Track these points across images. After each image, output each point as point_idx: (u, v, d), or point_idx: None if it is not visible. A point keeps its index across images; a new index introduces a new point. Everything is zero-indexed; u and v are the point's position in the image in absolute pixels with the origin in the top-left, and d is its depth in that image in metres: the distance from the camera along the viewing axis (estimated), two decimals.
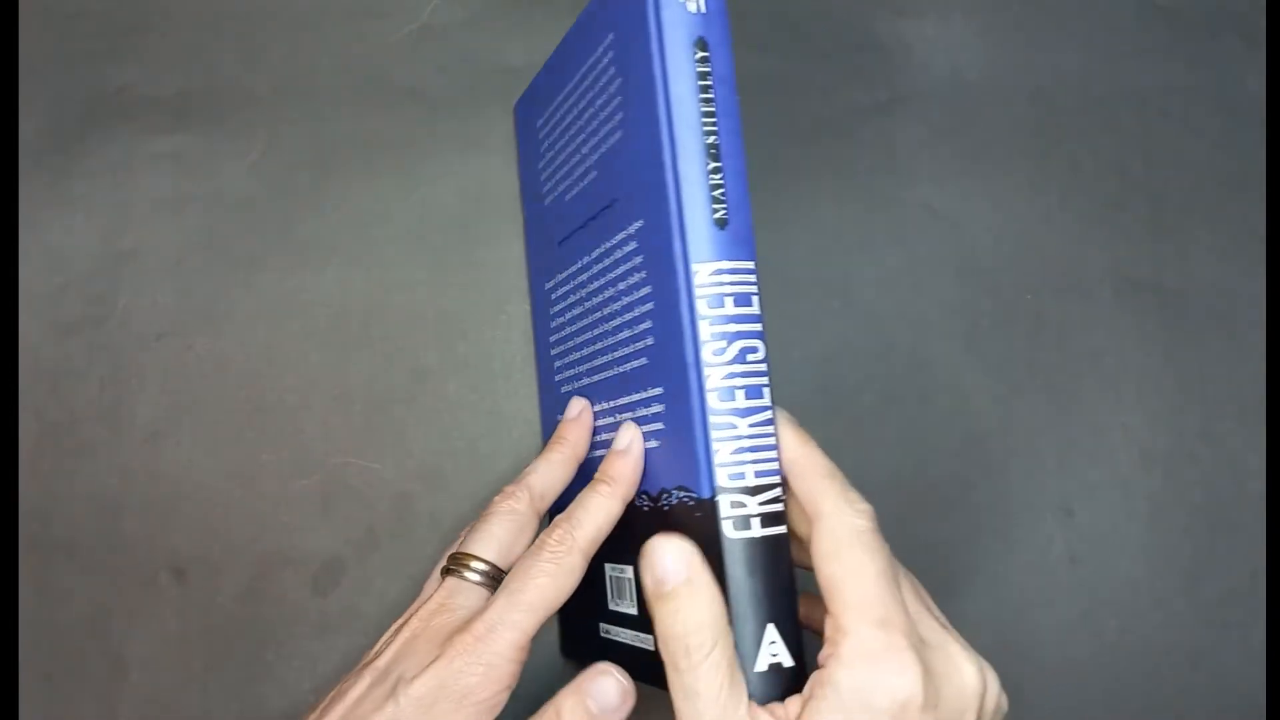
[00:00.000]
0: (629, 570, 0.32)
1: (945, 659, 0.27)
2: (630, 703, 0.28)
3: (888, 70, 0.47)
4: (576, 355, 0.36)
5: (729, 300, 0.28)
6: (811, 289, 0.44)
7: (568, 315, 0.37)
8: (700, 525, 0.28)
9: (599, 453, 0.34)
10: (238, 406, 0.41)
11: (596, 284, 0.34)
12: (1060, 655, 0.43)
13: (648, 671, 0.29)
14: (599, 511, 0.30)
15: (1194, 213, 0.47)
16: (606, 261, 0.33)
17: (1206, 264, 0.47)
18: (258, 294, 0.42)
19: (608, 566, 0.34)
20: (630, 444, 0.31)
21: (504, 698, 0.28)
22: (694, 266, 0.28)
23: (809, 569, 0.29)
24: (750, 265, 0.29)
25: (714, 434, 0.28)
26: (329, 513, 0.41)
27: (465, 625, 0.28)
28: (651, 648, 0.31)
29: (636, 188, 0.30)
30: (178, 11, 0.44)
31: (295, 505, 0.41)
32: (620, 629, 0.33)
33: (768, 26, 0.46)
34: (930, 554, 0.43)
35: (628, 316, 0.32)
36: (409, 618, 0.31)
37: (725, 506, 0.28)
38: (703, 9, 0.29)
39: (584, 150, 0.35)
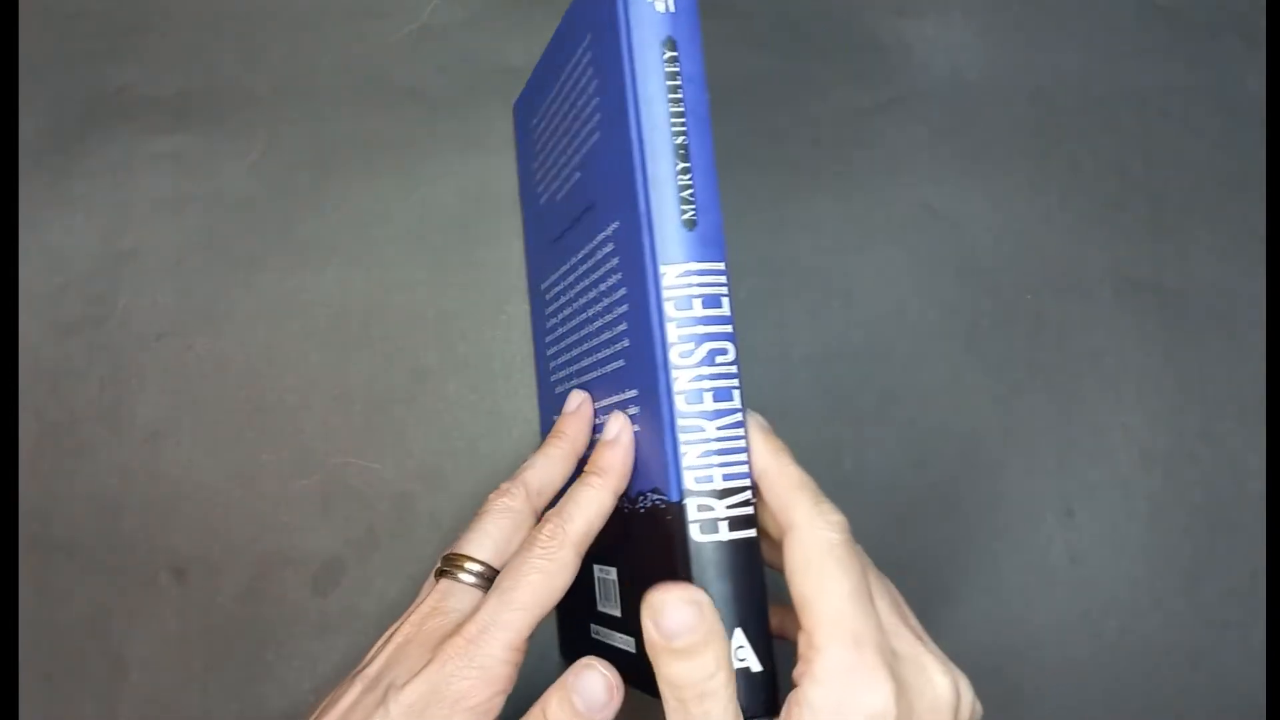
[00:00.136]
0: (613, 572, 0.32)
1: (918, 671, 0.27)
2: (618, 697, 0.28)
3: (888, 70, 0.47)
4: (568, 355, 0.36)
5: (697, 302, 0.28)
6: (811, 289, 0.44)
7: (560, 315, 0.37)
8: (670, 528, 0.28)
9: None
10: (238, 406, 0.41)
11: (582, 285, 0.34)
12: (1060, 655, 0.43)
13: (632, 673, 0.29)
14: (590, 504, 0.30)
15: (1194, 213, 0.47)
16: (590, 263, 0.33)
17: (1206, 264, 0.47)
18: (258, 294, 0.42)
19: (595, 568, 0.34)
20: (619, 434, 0.31)
21: (499, 702, 0.27)
22: (662, 268, 0.28)
23: (776, 569, 0.29)
24: (720, 266, 0.29)
25: (681, 436, 0.28)
26: (329, 513, 0.41)
27: (457, 628, 0.28)
28: (634, 650, 0.31)
29: (613, 189, 0.30)
30: (178, 11, 0.44)
31: (295, 505, 0.41)
32: (608, 630, 0.33)
33: (768, 26, 0.46)
34: (930, 554, 0.43)
35: (608, 318, 0.32)
36: (401, 623, 0.30)
37: (692, 510, 0.27)
38: (671, 8, 0.29)
39: (569, 151, 0.35)
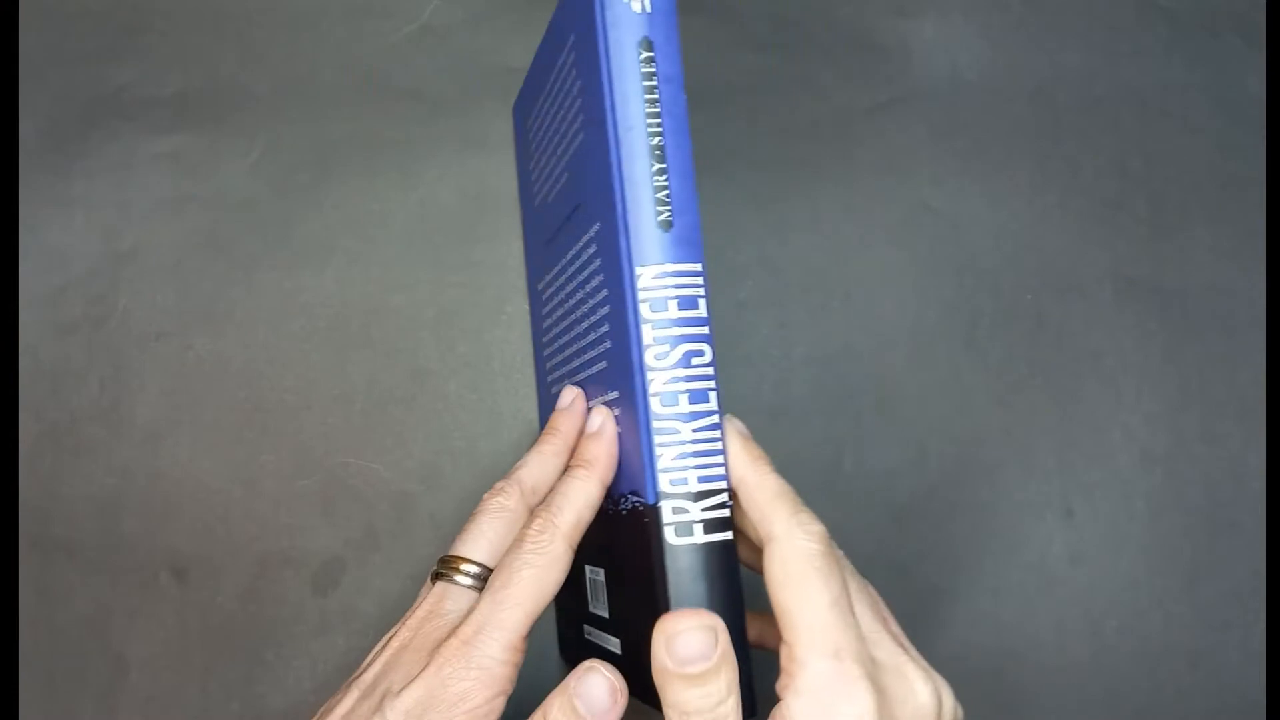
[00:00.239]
0: (602, 574, 0.32)
1: (899, 679, 0.27)
2: (622, 701, 0.27)
3: (888, 70, 0.47)
4: (561, 356, 0.36)
5: (673, 303, 0.28)
6: (811, 289, 0.44)
7: (554, 316, 0.37)
8: (647, 530, 0.28)
9: None
10: (238, 406, 0.41)
11: (571, 285, 0.34)
12: (1060, 655, 0.43)
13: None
14: (578, 496, 0.29)
15: (1194, 213, 0.47)
16: (576, 264, 0.33)
17: (1206, 264, 0.46)
18: (258, 294, 0.42)
19: (586, 569, 0.34)
20: (602, 425, 0.31)
21: (500, 704, 0.27)
22: (637, 269, 0.28)
23: (758, 571, 0.29)
24: (697, 268, 0.28)
25: (656, 438, 0.28)
26: (329, 513, 0.41)
27: (453, 630, 0.27)
28: (619, 650, 0.31)
29: (595, 190, 0.30)
30: (177, 11, 0.44)
31: (295, 505, 0.41)
32: (598, 631, 0.33)
33: (768, 27, 0.46)
34: (930, 554, 0.43)
35: (593, 319, 0.32)
36: (398, 628, 0.30)
37: (667, 512, 0.27)
38: (647, 9, 0.29)
39: (558, 152, 0.35)
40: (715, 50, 0.46)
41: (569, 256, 0.34)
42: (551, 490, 0.30)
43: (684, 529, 0.27)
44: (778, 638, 0.27)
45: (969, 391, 0.44)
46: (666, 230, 0.28)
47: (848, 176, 0.45)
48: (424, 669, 0.27)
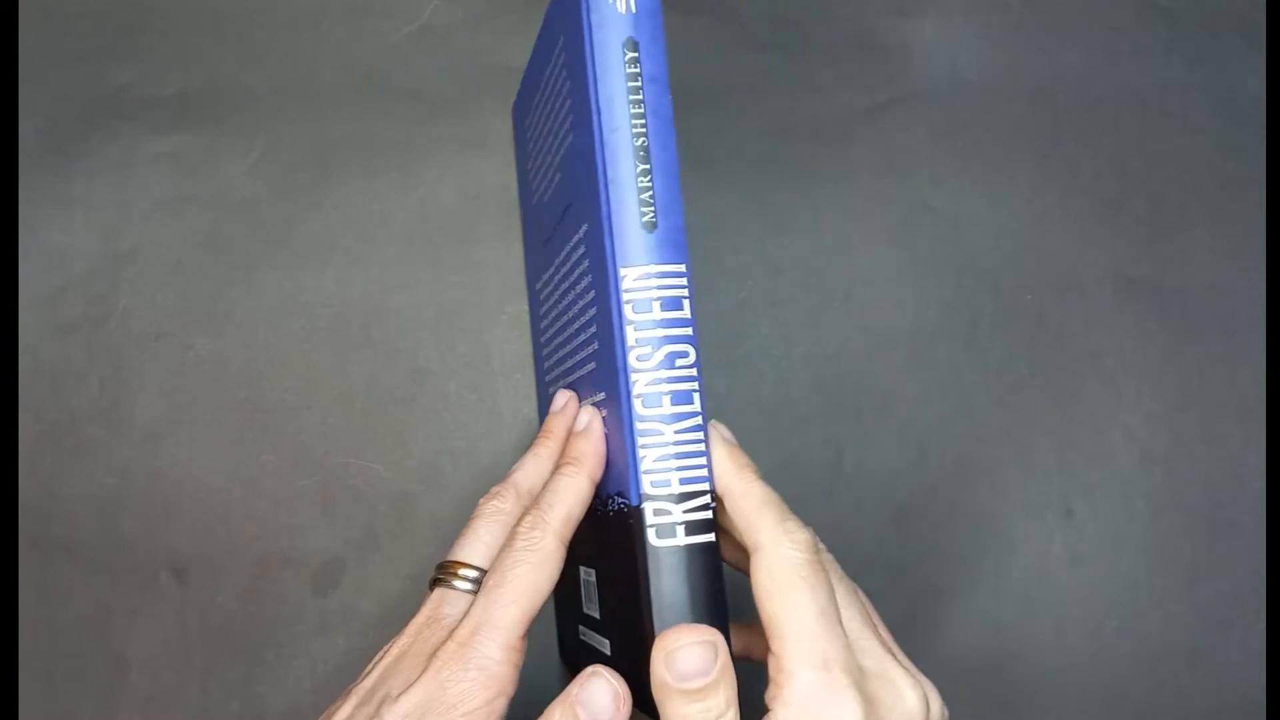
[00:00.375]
0: (593, 574, 0.32)
1: (887, 686, 0.27)
2: (626, 708, 0.27)
3: (888, 70, 0.47)
4: (556, 356, 0.36)
5: (656, 304, 0.28)
6: (811, 289, 0.44)
7: (550, 316, 0.37)
8: (631, 532, 0.28)
9: None
10: (238, 406, 0.41)
11: (563, 286, 0.34)
12: (1060, 655, 0.43)
13: None
14: (567, 492, 0.29)
15: (1194, 213, 0.47)
16: (568, 265, 0.33)
17: (1206, 264, 0.47)
18: (258, 294, 0.42)
19: (580, 569, 0.33)
20: (589, 423, 0.31)
21: (501, 705, 0.27)
22: (621, 270, 0.28)
23: (743, 572, 0.28)
24: (681, 269, 0.28)
25: (639, 440, 0.27)
26: (329, 513, 0.41)
27: (450, 634, 0.27)
28: (609, 652, 0.31)
29: (583, 191, 0.30)
30: (177, 11, 0.44)
31: (295, 505, 0.41)
32: (590, 632, 0.33)
33: (768, 27, 0.46)
34: (930, 554, 0.43)
35: (582, 320, 0.32)
36: (399, 636, 0.30)
37: (649, 514, 0.27)
38: (632, 9, 0.28)
39: (551, 152, 0.35)
40: (715, 50, 0.46)
41: (561, 257, 0.34)
42: (542, 489, 0.30)
43: (666, 531, 0.27)
44: (765, 649, 0.27)
45: (969, 391, 0.44)
46: (651, 231, 0.28)
47: (848, 176, 0.45)
48: (422, 673, 0.27)
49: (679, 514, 0.27)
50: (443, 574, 0.30)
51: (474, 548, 0.30)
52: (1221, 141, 0.48)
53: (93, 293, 0.42)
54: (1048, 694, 0.42)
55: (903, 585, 0.43)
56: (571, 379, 0.34)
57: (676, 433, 0.28)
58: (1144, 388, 0.45)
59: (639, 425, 0.28)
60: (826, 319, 0.44)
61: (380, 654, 0.30)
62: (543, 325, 0.39)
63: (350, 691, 0.29)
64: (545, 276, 0.37)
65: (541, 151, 0.37)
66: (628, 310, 0.28)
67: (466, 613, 0.28)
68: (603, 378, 0.30)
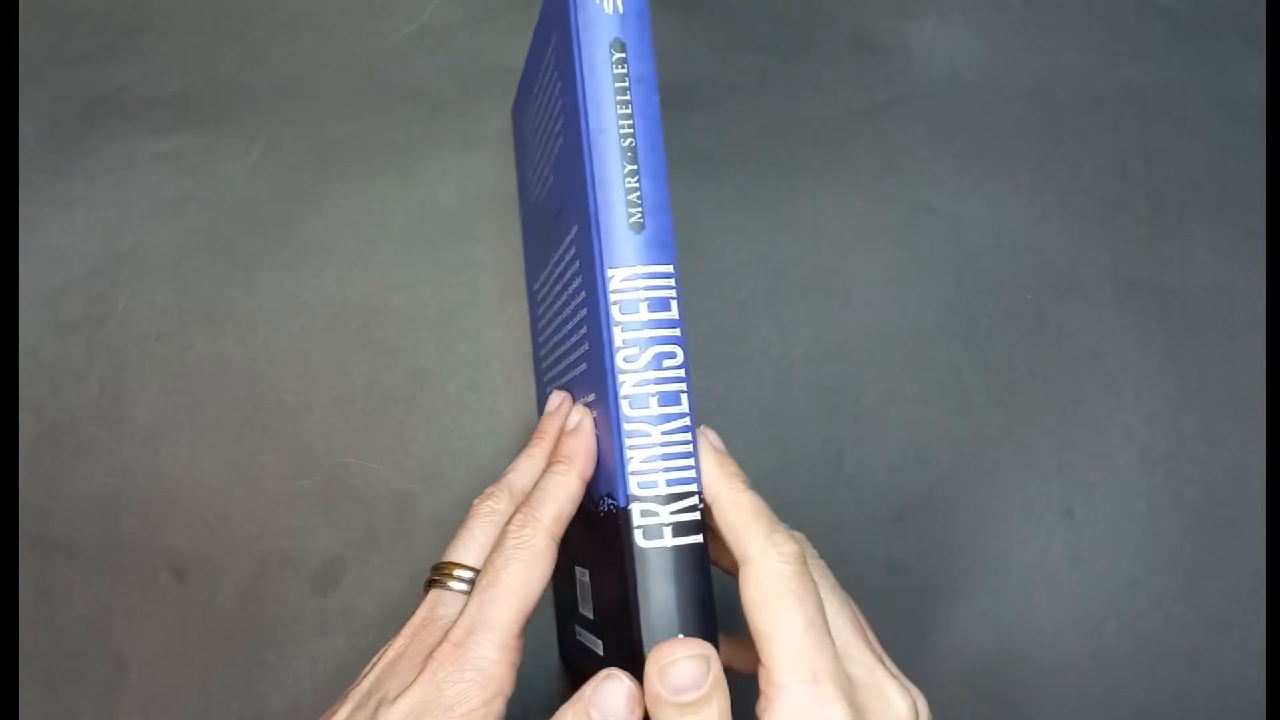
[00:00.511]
0: (587, 574, 0.32)
1: (876, 696, 0.27)
2: (640, 708, 0.27)
3: (888, 70, 0.47)
4: (553, 357, 0.36)
5: (644, 305, 0.28)
6: (811, 289, 0.44)
7: (546, 317, 0.37)
8: (620, 533, 0.28)
9: None
10: (238, 406, 0.41)
11: (557, 287, 0.34)
12: (1060, 655, 0.43)
13: None
14: (558, 489, 0.29)
15: (1194, 213, 0.47)
16: (560, 265, 0.33)
17: (1206, 264, 0.47)
18: (258, 294, 0.42)
19: (576, 570, 0.33)
20: (580, 421, 0.30)
21: (499, 705, 0.27)
22: (609, 271, 0.28)
23: (731, 574, 0.28)
24: (669, 269, 0.28)
25: (627, 441, 0.27)
26: (329, 513, 0.41)
27: (445, 635, 0.27)
28: (601, 652, 0.31)
29: (573, 192, 0.30)
30: (177, 11, 0.44)
31: (295, 505, 0.41)
32: (585, 632, 0.33)
33: (768, 27, 0.46)
34: (930, 554, 0.43)
35: (574, 321, 0.32)
36: (395, 639, 0.29)
37: (636, 515, 0.27)
38: (619, 9, 0.28)
39: (545, 153, 0.35)
40: (715, 50, 0.46)
41: (555, 258, 0.34)
42: (533, 488, 0.30)
43: (653, 532, 0.27)
44: (755, 661, 0.27)
45: (969, 391, 0.44)
46: (638, 232, 0.28)
47: (848, 176, 0.45)
48: (419, 675, 0.27)
49: (666, 515, 0.27)
50: (438, 575, 0.30)
51: (468, 548, 0.30)
52: (1221, 141, 0.48)
53: (93, 293, 0.42)
54: (1048, 694, 0.42)
55: (903, 585, 0.43)
56: (566, 380, 0.34)
57: (664, 434, 0.28)
58: (1144, 388, 0.45)
59: (626, 426, 0.28)
60: (826, 319, 0.44)
61: (377, 656, 0.30)
62: (541, 326, 0.39)
63: (347, 695, 0.29)
64: (542, 277, 0.37)
65: (537, 152, 0.37)
66: (615, 311, 0.28)
67: (461, 613, 0.28)
68: (592, 379, 0.30)
